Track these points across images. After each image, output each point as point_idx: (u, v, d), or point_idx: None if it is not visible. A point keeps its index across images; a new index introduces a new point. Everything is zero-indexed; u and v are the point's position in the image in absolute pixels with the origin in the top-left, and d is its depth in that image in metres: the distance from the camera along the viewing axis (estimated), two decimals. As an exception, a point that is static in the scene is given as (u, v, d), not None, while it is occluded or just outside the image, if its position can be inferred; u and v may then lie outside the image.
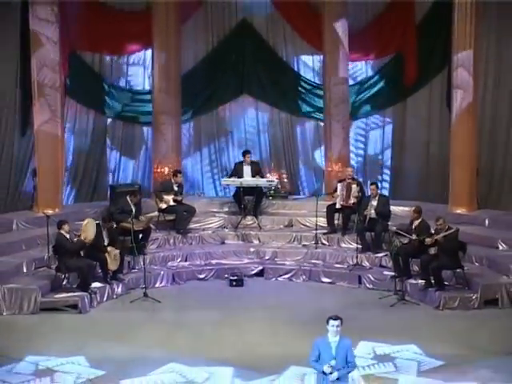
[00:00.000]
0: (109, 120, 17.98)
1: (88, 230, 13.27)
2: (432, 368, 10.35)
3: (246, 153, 16.64)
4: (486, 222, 15.54)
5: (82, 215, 15.57)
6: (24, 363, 10.42)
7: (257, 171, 16.41)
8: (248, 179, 16.22)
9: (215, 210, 16.95)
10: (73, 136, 17.53)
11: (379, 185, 16.49)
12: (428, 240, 13.20)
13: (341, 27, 16.52)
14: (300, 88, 18.20)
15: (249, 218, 16.34)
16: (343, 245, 15.53)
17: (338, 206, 15.63)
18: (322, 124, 17.60)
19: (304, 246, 15.67)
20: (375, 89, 17.98)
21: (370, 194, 15.33)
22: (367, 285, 14.22)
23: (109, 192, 16.65)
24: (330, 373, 7.84)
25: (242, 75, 18.14)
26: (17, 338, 11.51)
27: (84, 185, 17.73)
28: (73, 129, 17.53)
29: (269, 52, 18.08)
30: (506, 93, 17.08)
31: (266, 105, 18.38)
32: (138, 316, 12.69)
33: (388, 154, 18.27)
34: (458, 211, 15.81)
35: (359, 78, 18.09)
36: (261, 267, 15.06)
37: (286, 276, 14.83)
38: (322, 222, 15.83)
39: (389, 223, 15.00)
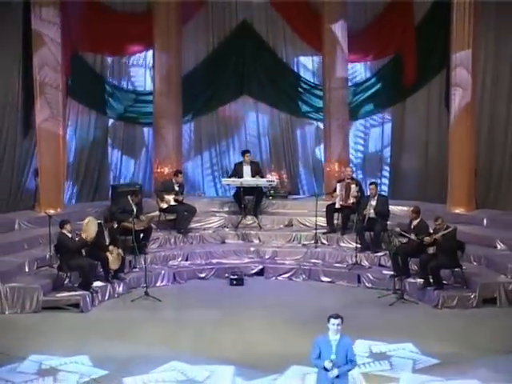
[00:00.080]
0: (110, 120, 18.00)
1: (89, 228, 13.31)
2: (428, 366, 10.37)
3: (245, 152, 16.67)
4: (485, 221, 15.58)
5: (84, 215, 15.42)
6: (27, 362, 10.42)
7: (256, 171, 16.43)
8: (248, 179, 16.24)
9: (216, 209, 16.98)
10: (74, 136, 17.54)
11: (378, 185, 16.48)
12: (427, 239, 13.24)
13: (340, 28, 16.55)
14: (300, 89, 18.22)
15: (249, 217, 16.37)
16: (342, 244, 15.57)
17: (337, 205, 15.68)
18: (321, 124, 17.65)
19: (304, 245, 15.71)
20: (374, 89, 18.00)
21: (369, 193, 15.36)
22: (366, 284, 14.24)
23: (110, 192, 16.67)
24: (331, 368, 7.86)
25: (242, 76, 18.16)
26: (19, 337, 11.52)
27: (85, 185, 17.74)
28: (74, 129, 17.54)
29: (269, 53, 18.11)
30: (505, 93, 17.12)
31: (265, 105, 18.39)
32: (139, 315, 12.70)
33: (387, 154, 18.30)
34: (457, 211, 15.83)
35: (358, 79, 18.11)
36: (261, 266, 15.09)
37: (286, 275, 14.85)
38: (322, 221, 15.85)
39: (388, 223, 15.02)
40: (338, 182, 15.85)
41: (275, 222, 16.58)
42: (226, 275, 14.72)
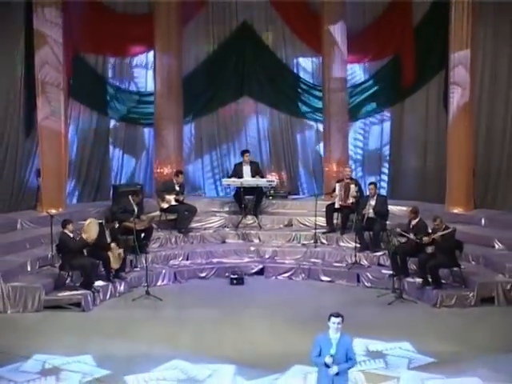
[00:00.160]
0: (112, 121, 18.02)
1: (90, 229, 13.35)
2: (427, 365, 10.40)
3: (244, 152, 16.71)
4: (483, 221, 15.61)
5: (85, 215, 15.62)
6: (30, 362, 10.44)
7: (256, 171, 16.47)
8: (248, 179, 16.28)
9: (216, 209, 17.02)
10: (76, 136, 17.56)
11: (377, 184, 16.50)
12: (425, 239, 13.26)
13: (339, 29, 16.58)
14: (299, 89, 18.24)
15: (249, 217, 16.42)
16: (342, 244, 15.61)
17: (336, 205, 15.73)
18: (321, 125, 17.68)
19: (303, 245, 15.75)
20: (373, 90, 18.00)
21: (368, 193, 15.39)
22: (365, 283, 14.28)
23: (111, 192, 16.71)
24: (332, 363, 7.89)
25: (242, 77, 18.19)
26: (21, 336, 11.55)
27: (87, 185, 17.76)
28: (76, 129, 17.56)
29: (269, 54, 18.14)
30: (502, 93, 17.11)
31: (265, 106, 18.43)
32: (140, 314, 12.74)
33: (386, 152, 18.31)
34: (455, 211, 15.86)
35: (358, 80, 18.10)
36: (261, 266, 15.13)
37: (286, 274, 14.90)
38: (321, 221, 15.89)
39: (387, 222, 15.05)
40: (338, 181, 15.87)
41: (275, 222, 16.61)
42: (227, 274, 14.77)
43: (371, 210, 14.95)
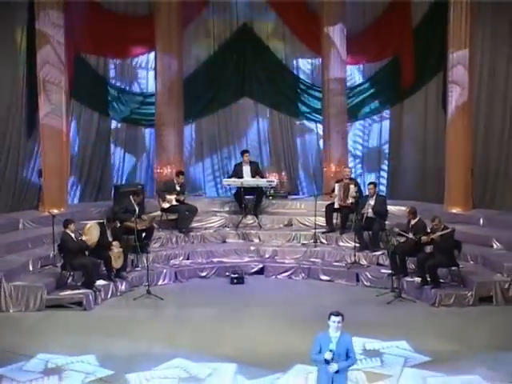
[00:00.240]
0: (113, 122, 18.08)
1: (91, 233, 13.40)
2: (426, 363, 10.43)
3: (244, 152, 16.74)
4: (481, 221, 15.65)
5: (87, 215, 15.81)
6: (33, 361, 10.47)
7: (256, 171, 16.51)
8: (249, 179, 16.32)
9: (216, 209, 17.07)
10: (77, 137, 17.63)
11: (376, 184, 16.50)
12: (424, 239, 13.31)
13: (339, 31, 16.63)
14: (299, 90, 18.32)
15: (249, 217, 16.46)
16: (341, 243, 15.66)
17: (336, 205, 15.77)
18: (320, 125, 17.72)
19: (303, 244, 15.79)
20: (373, 91, 18.07)
21: (367, 193, 15.41)
22: (365, 282, 14.32)
23: (113, 192, 16.72)
24: (332, 359, 7.92)
25: (242, 78, 18.27)
26: (23, 335, 11.60)
27: (88, 185, 17.83)
28: (77, 130, 17.63)
29: (269, 55, 18.21)
30: (501, 93, 17.19)
31: (265, 107, 18.50)
32: (141, 313, 12.80)
33: (385, 154, 18.38)
34: (454, 211, 15.89)
35: (357, 81, 18.18)
36: (261, 265, 15.17)
37: (286, 274, 14.93)
38: (321, 221, 15.93)
39: (386, 222, 15.12)
40: (337, 182, 15.92)
41: (275, 222, 16.65)
42: (227, 274, 14.80)
43: (370, 210, 15.00)
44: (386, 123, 18.36)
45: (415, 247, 13.60)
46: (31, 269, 13.87)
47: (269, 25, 18.18)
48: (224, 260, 15.39)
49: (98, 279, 13.46)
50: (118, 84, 18.07)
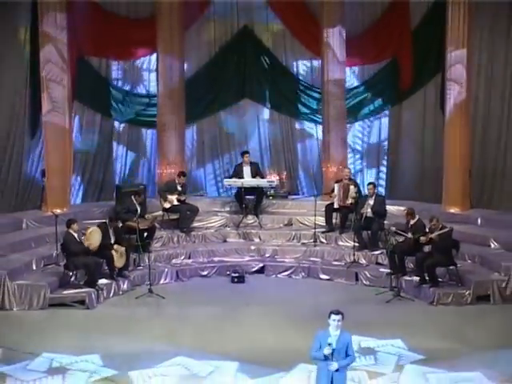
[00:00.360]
0: (115, 122, 18.14)
1: (93, 237, 13.44)
2: (422, 360, 10.49)
3: (244, 153, 16.77)
4: (479, 221, 15.68)
5: (90, 214, 15.89)
6: (38, 360, 10.49)
7: (256, 171, 16.55)
8: (249, 180, 16.35)
9: (217, 209, 17.08)
10: (80, 137, 17.69)
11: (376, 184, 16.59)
12: (423, 238, 13.36)
13: (338, 33, 16.63)
14: (299, 92, 18.34)
15: (250, 217, 16.49)
16: (341, 243, 15.70)
17: (335, 205, 15.82)
18: (320, 126, 17.72)
19: (303, 244, 15.84)
20: (372, 93, 18.10)
21: (367, 193, 15.43)
22: (364, 281, 14.39)
23: (115, 192, 16.72)
24: (332, 354, 7.96)
25: (243, 79, 18.30)
26: (27, 333, 11.66)
27: (91, 185, 17.89)
28: (80, 130, 17.70)
29: (269, 57, 18.26)
30: (498, 93, 17.24)
31: (266, 108, 18.55)
32: (143, 311, 12.87)
33: (384, 154, 18.44)
34: (452, 211, 15.93)
35: (356, 82, 18.21)
36: (261, 264, 15.24)
37: (286, 273, 15.01)
38: (321, 221, 15.99)
39: (385, 222, 15.16)
40: (336, 182, 15.97)
41: (275, 222, 16.68)
42: (228, 273, 14.88)
43: (369, 210, 15.04)
44: (385, 124, 18.39)
45: (414, 247, 13.66)
46: (34, 268, 13.94)
47: (269, 27, 18.22)
48: (225, 259, 15.45)
49: (101, 278, 13.51)
50: (120, 85, 18.12)
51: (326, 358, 8.03)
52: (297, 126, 18.69)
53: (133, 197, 15.18)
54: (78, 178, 17.70)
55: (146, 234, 14.94)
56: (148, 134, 18.35)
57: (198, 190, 17.31)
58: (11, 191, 17.00)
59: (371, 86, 18.17)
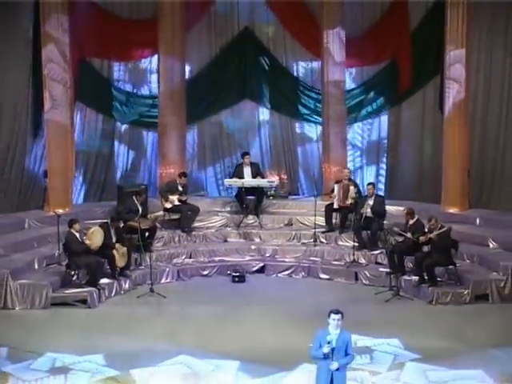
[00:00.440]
0: (117, 123, 18.15)
1: (94, 237, 13.50)
2: (422, 358, 10.53)
3: (245, 154, 16.80)
4: (477, 221, 15.70)
5: (92, 214, 15.92)
6: (41, 360, 10.50)
7: (257, 172, 16.59)
8: (250, 180, 16.39)
9: (218, 209, 17.10)
10: (82, 137, 17.73)
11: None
12: (422, 238, 13.41)
13: (338, 34, 16.67)
14: (299, 92, 18.37)
15: (250, 217, 16.51)
16: (340, 243, 15.74)
17: (335, 206, 15.86)
18: (320, 126, 17.78)
19: (303, 243, 15.89)
20: (371, 94, 18.13)
21: (366, 193, 15.48)
22: (363, 281, 14.45)
23: (117, 192, 16.67)
24: (332, 353, 8.00)
25: (244, 80, 18.35)
26: (29, 332, 11.71)
27: (93, 185, 17.92)
28: (82, 131, 17.74)
29: (269, 58, 18.29)
30: (497, 93, 17.27)
31: (266, 108, 18.57)
32: (145, 310, 12.92)
33: (383, 154, 18.48)
34: (451, 211, 15.95)
35: (356, 84, 18.23)
36: (262, 264, 15.30)
37: (286, 272, 15.07)
38: (321, 221, 16.03)
39: (384, 222, 15.21)
40: (336, 182, 16.01)
41: (276, 222, 16.71)
42: (228, 272, 14.93)
43: (369, 210, 15.08)
44: (384, 124, 18.42)
45: (413, 246, 13.71)
46: (36, 267, 13.98)
47: (270, 28, 18.26)
48: (225, 259, 15.50)
49: (102, 278, 13.58)
50: (122, 86, 18.16)
51: (325, 356, 8.07)
52: (297, 126, 18.73)
53: (134, 197, 15.22)
54: (80, 178, 17.76)
55: (147, 234, 15.00)
56: (149, 135, 18.36)
57: (198, 191, 17.35)
58: (14, 191, 17.01)
59: (370, 87, 18.20)
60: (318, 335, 8.23)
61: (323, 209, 16.00)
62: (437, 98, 17.45)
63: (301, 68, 18.49)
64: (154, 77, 17.77)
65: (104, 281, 13.58)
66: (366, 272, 14.54)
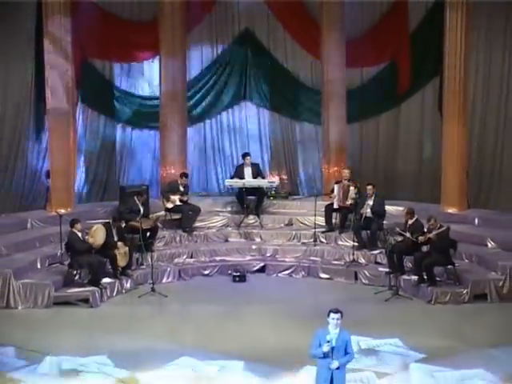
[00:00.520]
0: (119, 124, 18.22)
1: (97, 235, 13.56)
2: (422, 359, 10.60)
3: (245, 155, 16.85)
4: (476, 221, 15.78)
5: (94, 214, 15.98)
6: (45, 364, 10.49)
7: (257, 173, 16.64)
8: (250, 180, 16.43)
9: (219, 209, 17.15)
10: (84, 138, 17.80)
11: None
12: (421, 238, 13.45)
13: (338, 36, 16.73)
14: (299, 93, 18.41)
15: (251, 217, 16.56)
16: (340, 242, 15.78)
17: (335, 206, 15.91)
18: (320, 127, 17.78)
19: (303, 243, 15.93)
20: (371, 95, 18.11)
21: (366, 193, 15.43)
22: (363, 280, 14.49)
23: (118, 192, 16.68)
24: (332, 352, 8.02)
25: (244, 81, 18.42)
26: (32, 331, 11.75)
27: (95, 185, 17.99)
28: (84, 131, 17.81)
29: (270, 59, 18.35)
30: (496, 94, 17.32)
31: (266, 109, 18.66)
32: (146, 310, 12.99)
33: (382, 155, 18.53)
34: (450, 211, 16.00)
35: (355, 84, 18.20)
36: (262, 264, 15.34)
37: (286, 272, 15.11)
38: (321, 221, 16.07)
39: (384, 222, 15.25)
40: (336, 183, 16.05)
41: (276, 222, 16.75)
42: (229, 272, 14.98)
43: (369, 210, 15.12)
44: (383, 126, 18.46)
45: (412, 246, 13.75)
46: (39, 267, 14.05)
47: (270, 29, 18.30)
48: (226, 258, 15.55)
49: (104, 277, 13.63)
50: (124, 87, 18.21)
51: (325, 355, 8.10)
52: (297, 127, 18.79)
53: (135, 197, 15.28)
54: (82, 179, 17.81)
55: (148, 234, 15.05)
56: (151, 135, 18.41)
57: (199, 190, 17.35)
58: (16, 191, 17.10)
59: (370, 88, 18.23)
60: (317, 334, 8.24)
61: (323, 209, 16.04)
62: (436, 100, 17.50)
63: (301, 69, 18.54)
64: (155, 77, 17.77)
65: (106, 280, 13.62)
66: (366, 272, 14.58)
